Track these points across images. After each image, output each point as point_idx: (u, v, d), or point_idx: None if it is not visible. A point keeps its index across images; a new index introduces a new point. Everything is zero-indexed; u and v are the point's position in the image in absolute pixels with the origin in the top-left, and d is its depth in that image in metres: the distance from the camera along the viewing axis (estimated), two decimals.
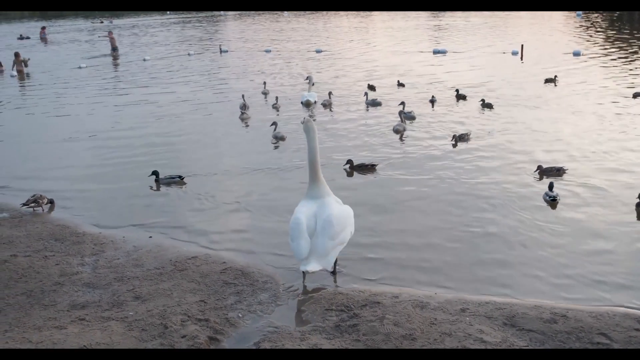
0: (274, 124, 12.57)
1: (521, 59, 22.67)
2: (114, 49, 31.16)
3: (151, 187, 9.59)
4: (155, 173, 9.76)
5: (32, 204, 8.54)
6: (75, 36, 43.38)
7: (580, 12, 44.12)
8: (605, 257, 6.49)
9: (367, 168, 9.89)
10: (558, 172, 9.23)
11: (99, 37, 39.18)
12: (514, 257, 6.54)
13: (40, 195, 8.64)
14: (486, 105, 14.28)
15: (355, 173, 9.82)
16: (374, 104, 15.05)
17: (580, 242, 6.86)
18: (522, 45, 23.47)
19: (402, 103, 13.73)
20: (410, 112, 13.45)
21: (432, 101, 15.03)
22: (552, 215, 7.68)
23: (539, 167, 9.35)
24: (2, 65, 25.17)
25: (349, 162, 10.01)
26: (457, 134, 11.41)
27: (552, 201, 8.07)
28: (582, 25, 36.58)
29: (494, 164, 9.94)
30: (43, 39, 40.97)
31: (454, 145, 11.01)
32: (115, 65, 26.51)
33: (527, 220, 7.52)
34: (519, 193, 8.53)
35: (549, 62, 21.27)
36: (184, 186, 9.56)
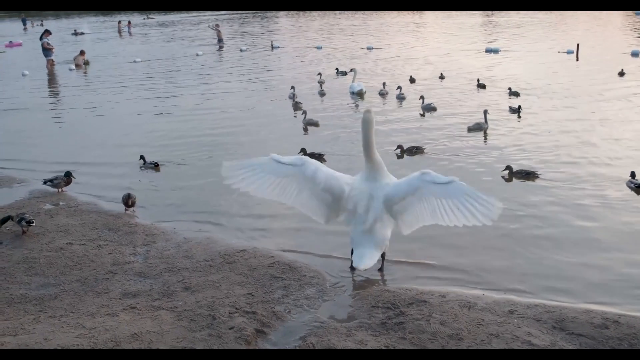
0: (304, 112, 13.07)
1: (576, 58, 22.11)
2: (220, 40, 32.55)
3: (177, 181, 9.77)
4: (142, 157, 10.32)
5: (125, 202, 8.17)
6: (138, 30, 44.60)
7: None
8: None
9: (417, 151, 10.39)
10: (528, 175, 8.82)
11: (207, 26, 41.00)
12: (564, 260, 6.39)
13: (131, 198, 8.18)
14: (515, 95, 15.07)
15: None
16: (400, 98, 15.46)
17: (635, 246, 6.67)
18: (578, 45, 22.87)
19: (422, 97, 14.15)
20: (430, 104, 13.95)
21: (517, 111, 13.12)
22: (604, 218, 7.47)
23: (509, 168, 8.91)
24: (55, 62, 25.96)
25: (400, 147, 10.50)
26: (405, 147, 10.50)
27: (638, 188, 7.98)
28: None
29: (546, 160, 9.75)
30: (127, 33, 42.82)
31: (399, 157, 10.41)
32: (172, 59, 27.10)
33: (577, 223, 7.34)
34: (569, 192, 8.34)
35: (605, 61, 20.68)
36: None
